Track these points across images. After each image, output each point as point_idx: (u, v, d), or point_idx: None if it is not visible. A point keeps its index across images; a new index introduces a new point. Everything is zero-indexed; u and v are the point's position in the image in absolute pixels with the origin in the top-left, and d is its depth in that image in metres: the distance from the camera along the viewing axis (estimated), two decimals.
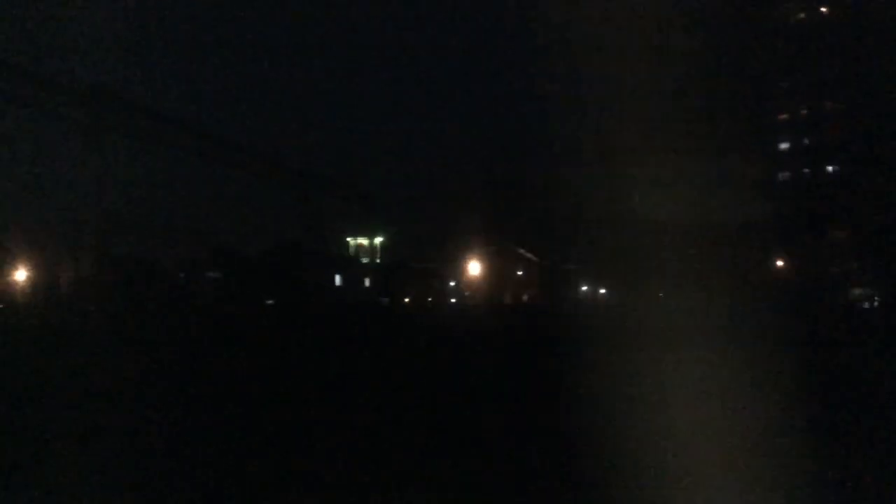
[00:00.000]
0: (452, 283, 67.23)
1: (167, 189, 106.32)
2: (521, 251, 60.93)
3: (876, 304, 50.97)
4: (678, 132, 60.96)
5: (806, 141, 57.53)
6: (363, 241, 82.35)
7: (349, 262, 73.85)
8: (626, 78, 64.87)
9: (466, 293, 56.66)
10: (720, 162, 58.67)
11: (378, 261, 78.02)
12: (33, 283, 58.98)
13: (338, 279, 67.42)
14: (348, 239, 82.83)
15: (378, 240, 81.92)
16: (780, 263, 51.49)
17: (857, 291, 52.29)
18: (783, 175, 58.53)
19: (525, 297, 58.00)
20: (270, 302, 59.86)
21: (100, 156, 57.70)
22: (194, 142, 63.22)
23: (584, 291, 62.43)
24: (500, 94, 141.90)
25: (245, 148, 68.45)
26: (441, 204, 65.29)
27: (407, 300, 64.49)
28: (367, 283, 71.90)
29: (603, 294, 59.57)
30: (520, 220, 60.63)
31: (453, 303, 55.53)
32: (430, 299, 62.80)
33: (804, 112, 57.89)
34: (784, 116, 58.81)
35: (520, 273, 59.99)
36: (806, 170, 57.46)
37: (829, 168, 57.12)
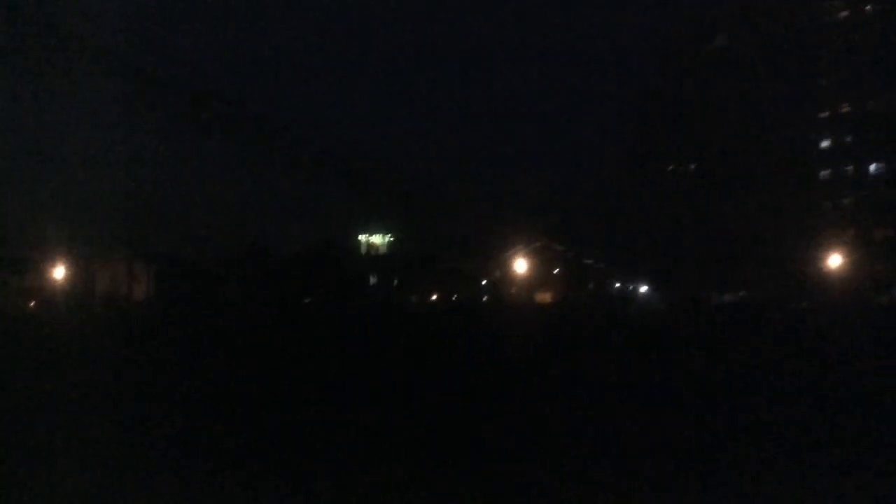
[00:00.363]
0: (484, 282, 67.09)
1: (208, 184, 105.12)
2: (560, 248, 60.92)
3: None
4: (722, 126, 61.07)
5: (848, 139, 57.57)
6: (375, 239, 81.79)
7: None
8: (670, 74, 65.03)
9: (513, 290, 56.53)
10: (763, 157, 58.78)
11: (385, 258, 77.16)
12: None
13: (371, 278, 67.20)
14: (360, 237, 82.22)
15: (388, 238, 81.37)
16: (829, 262, 51.45)
17: None
18: (825, 172, 58.61)
19: (565, 295, 57.88)
20: (307, 300, 59.59)
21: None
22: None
23: (621, 288, 62.58)
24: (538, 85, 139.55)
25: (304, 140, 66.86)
26: (474, 199, 64.95)
27: (434, 298, 64.25)
28: (395, 281, 71.54)
29: (644, 292, 59.75)
30: (555, 216, 60.61)
31: (500, 301, 55.28)
32: (455, 297, 62.52)
33: (846, 109, 57.93)
34: (825, 114, 58.86)
35: (559, 270, 59.92)
36: (849, 167, 57.55)
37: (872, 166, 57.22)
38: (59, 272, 59.10)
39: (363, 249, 79.97)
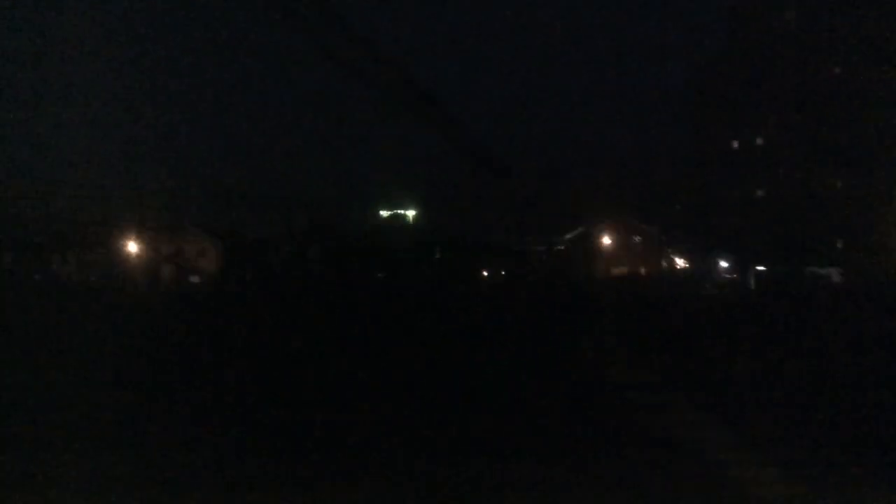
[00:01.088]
0: (543, 258, 66.57)
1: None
2: (636, 223, 60.30)
3: None
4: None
5: None
6: (398, 213, 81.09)
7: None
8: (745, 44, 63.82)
9: (591, 264, 56.04)
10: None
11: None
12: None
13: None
14: (381, 212, 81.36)
15: (411, 213, 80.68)
16: None
17: None
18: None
19: (643, 271, 57.43)
20: (380, 276, 59.27)
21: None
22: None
23: (698, 264, 62.05)
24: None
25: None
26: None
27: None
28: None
29: (723, 268, 59.24)
30: (630, 192, 59.98)
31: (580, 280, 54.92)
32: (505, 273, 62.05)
33: None
34: None
35: (635, 246, 59.40)
36: None
37: None
38: (130, 247, 58.92)
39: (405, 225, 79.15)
